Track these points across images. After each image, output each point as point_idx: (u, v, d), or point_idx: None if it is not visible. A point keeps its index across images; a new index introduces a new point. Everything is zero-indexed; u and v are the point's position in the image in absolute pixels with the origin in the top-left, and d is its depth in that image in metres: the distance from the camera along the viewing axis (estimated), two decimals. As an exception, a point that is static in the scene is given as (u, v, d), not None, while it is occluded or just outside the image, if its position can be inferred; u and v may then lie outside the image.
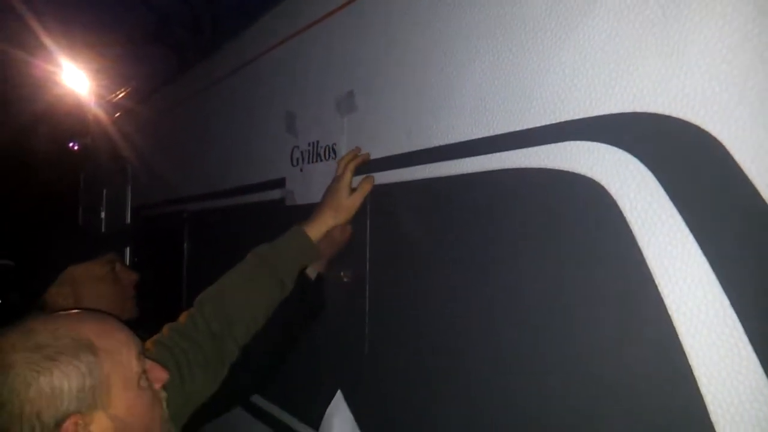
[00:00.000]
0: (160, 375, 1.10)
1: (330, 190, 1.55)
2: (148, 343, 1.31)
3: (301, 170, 1.86)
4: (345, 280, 1.62)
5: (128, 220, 3.76)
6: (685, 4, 0.86)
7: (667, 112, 0.87)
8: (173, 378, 1.20)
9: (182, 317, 1.40)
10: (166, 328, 1.38)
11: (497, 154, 1.15)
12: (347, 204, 1.51)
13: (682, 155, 0.85)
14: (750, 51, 0.79)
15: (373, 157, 1.54)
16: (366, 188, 1.51)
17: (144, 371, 1.06)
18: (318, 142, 1.77)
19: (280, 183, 1.96)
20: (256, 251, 1.50)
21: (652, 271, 0.87)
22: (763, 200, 0.76)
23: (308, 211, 1.59)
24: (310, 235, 1.51)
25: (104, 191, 4.61)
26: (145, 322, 1.56)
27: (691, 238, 0.83)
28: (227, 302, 1.42)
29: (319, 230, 1.52)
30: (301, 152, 1.86)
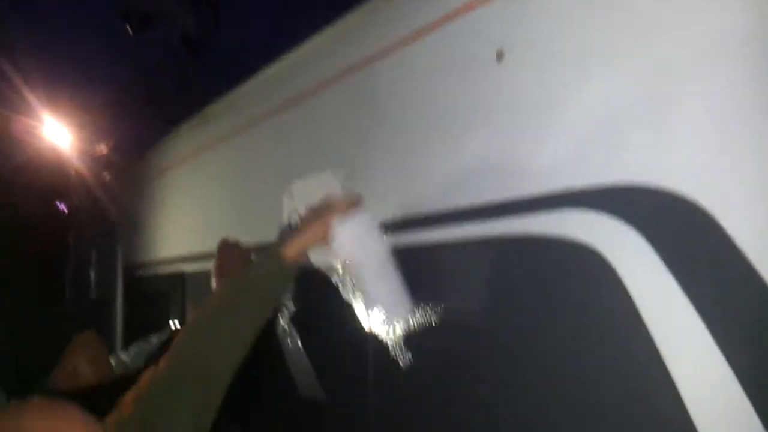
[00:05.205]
0: None
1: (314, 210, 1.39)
2: (129, 398, 1.24)
3: (299, 233, 1.89)
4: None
5: (119, 281, 3.75)
6: (671, 78, 0.93)
7: (659, 184, 0.92)
8: None
9: (162, 364, 1.27)
10: (145, 380, 1.25)
11: (493, 222, 1.20)
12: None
13: (674, 226, 0.90)
14: (739, 123, 0.85)
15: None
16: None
17: None
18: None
19: (277, 245, 1.99)
20: (231, 281, 1.33)
21: (651, 335, 0.91)
22: (752, 267, 0.81)
23: (311, 273, 1.63)
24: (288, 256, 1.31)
25: (93, 252, 4.59)
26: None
27: (687, 303, 0.87)
28: (210, 350, 1.25)
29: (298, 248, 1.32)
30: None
